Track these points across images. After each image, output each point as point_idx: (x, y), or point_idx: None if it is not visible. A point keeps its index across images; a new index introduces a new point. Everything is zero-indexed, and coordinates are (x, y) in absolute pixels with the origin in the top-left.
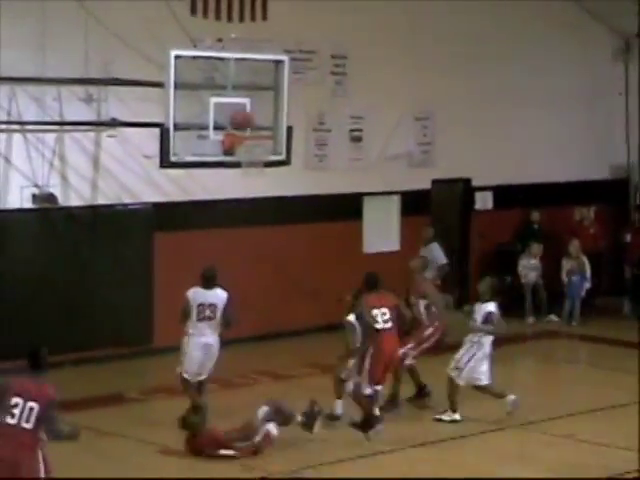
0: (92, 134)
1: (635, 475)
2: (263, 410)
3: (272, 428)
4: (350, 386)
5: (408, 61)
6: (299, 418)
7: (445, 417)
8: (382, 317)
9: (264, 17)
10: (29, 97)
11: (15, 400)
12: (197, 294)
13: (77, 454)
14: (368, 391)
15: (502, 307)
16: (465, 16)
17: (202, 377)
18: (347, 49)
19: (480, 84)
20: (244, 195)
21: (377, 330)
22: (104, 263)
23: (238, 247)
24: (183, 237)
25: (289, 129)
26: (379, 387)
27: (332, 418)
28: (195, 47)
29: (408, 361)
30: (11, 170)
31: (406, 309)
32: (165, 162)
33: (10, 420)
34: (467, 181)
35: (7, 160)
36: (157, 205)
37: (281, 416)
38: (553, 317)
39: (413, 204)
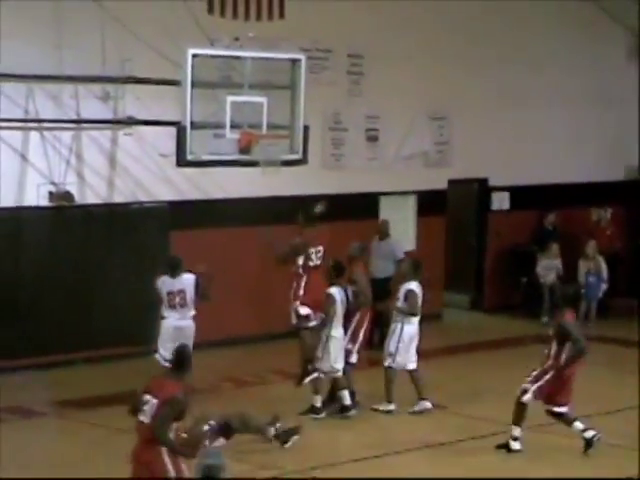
0: (109, 132)
1: None
2: (210, 424)
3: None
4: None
5: (424, 61)
6: (272, 431)
7: (381, 407)
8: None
9: (281, 16)
10: (46, 95)
11: (146, 397)
12: (165, 283)
13: (91, 451)
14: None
15: (517, 307)
16: (481, 16)
17: None
18: (363, 48)
19: (497, 84)
20: (260, 194)
21: None
22: (120, 261)
23: (253, 246)
24: (199, 235)
25: (305, 128)
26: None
27: (344, 410)
28: (212, 46)
29: (353, 359)
30: (28, 168)
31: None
32: (181, 160)
33: (141, 417)
34: (483, 181)
35: (24, 158)
36: (173, 203)
37: (229, 431)
38: None
39: (429, 204)
